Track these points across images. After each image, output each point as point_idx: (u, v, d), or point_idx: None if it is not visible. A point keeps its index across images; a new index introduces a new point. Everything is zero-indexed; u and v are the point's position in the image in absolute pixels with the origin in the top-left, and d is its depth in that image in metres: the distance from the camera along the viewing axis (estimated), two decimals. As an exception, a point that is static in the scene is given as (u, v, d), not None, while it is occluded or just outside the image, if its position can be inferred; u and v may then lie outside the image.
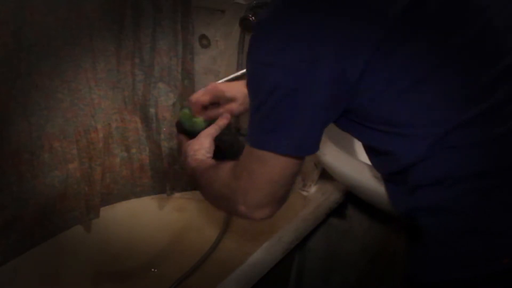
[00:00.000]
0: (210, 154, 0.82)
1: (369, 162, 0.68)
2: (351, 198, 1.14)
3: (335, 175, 1.06)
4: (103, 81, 1.14)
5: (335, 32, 0.54)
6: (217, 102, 0.89)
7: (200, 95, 0.88)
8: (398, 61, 0.55)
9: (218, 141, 0.85)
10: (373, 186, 0.86)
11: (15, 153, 1.01)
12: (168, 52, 1.18)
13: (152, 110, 1.22)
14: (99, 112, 1.14)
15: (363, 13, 0.54)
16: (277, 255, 0.95)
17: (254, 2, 1.10)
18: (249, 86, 0.62)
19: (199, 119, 0.89)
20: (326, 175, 1.17)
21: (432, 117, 0.56)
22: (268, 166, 0.61)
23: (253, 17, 1.09)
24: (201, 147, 0.83)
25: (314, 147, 0.61)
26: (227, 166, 0.70)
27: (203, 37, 1.26)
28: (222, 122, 0.87)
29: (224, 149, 0.86)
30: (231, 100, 0.88)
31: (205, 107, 0.89)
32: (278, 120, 0.58)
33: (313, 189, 1.19)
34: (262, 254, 0.94)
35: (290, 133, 0.58)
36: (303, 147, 0.60)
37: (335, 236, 1.19)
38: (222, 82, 0.93)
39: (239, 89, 0.87)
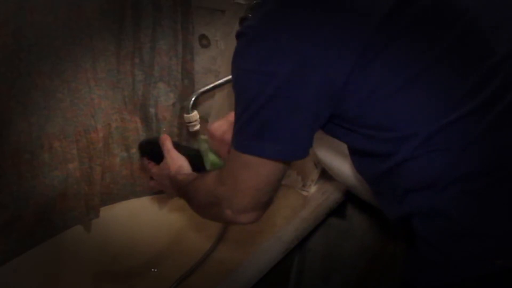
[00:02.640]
0: (190, 170, 0.84)
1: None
2: (351, 198, 1.14)
3: (335, 175, 1.06)
4: (103, 81, 1.14)
5: (320, 38, 0.54)
6: None
7: (218, 125, 0.85)
8: (384, 65, 0.55)
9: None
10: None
11: (15, 153, 1.01)
12: (168, 52, 1.18)
13: (152, 110, 1.22)
14: (99, 112, 1.14)
15: (347, 19, 0.55)
16: (277, 255, 0.95)
17: (254, 2, 1.10)
18: (234, 92, 0.62)
19: (219, 161, 0.90)
20: (326, 175, 1.17)
21: (419, 119, 0.56)
22: (254, 171, 0.61)
23: (253, 17, 1.09)
24: (181, 166, 0.84)
25: (301, 152, 0.61)
26: (211, 174, 0.71)
27: (203, 37, 1.26)
28: (165, 141, 0.88)
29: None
30: None
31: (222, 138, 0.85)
32: (262, 125, 0.58)
33: (313, 189, 1.19)
34: (262, 254, 0.94)
35: (274, 137, 0.58)
36: (289, 152, 0.60)
37: (335, 236, 1.19)
38: None
39: None
